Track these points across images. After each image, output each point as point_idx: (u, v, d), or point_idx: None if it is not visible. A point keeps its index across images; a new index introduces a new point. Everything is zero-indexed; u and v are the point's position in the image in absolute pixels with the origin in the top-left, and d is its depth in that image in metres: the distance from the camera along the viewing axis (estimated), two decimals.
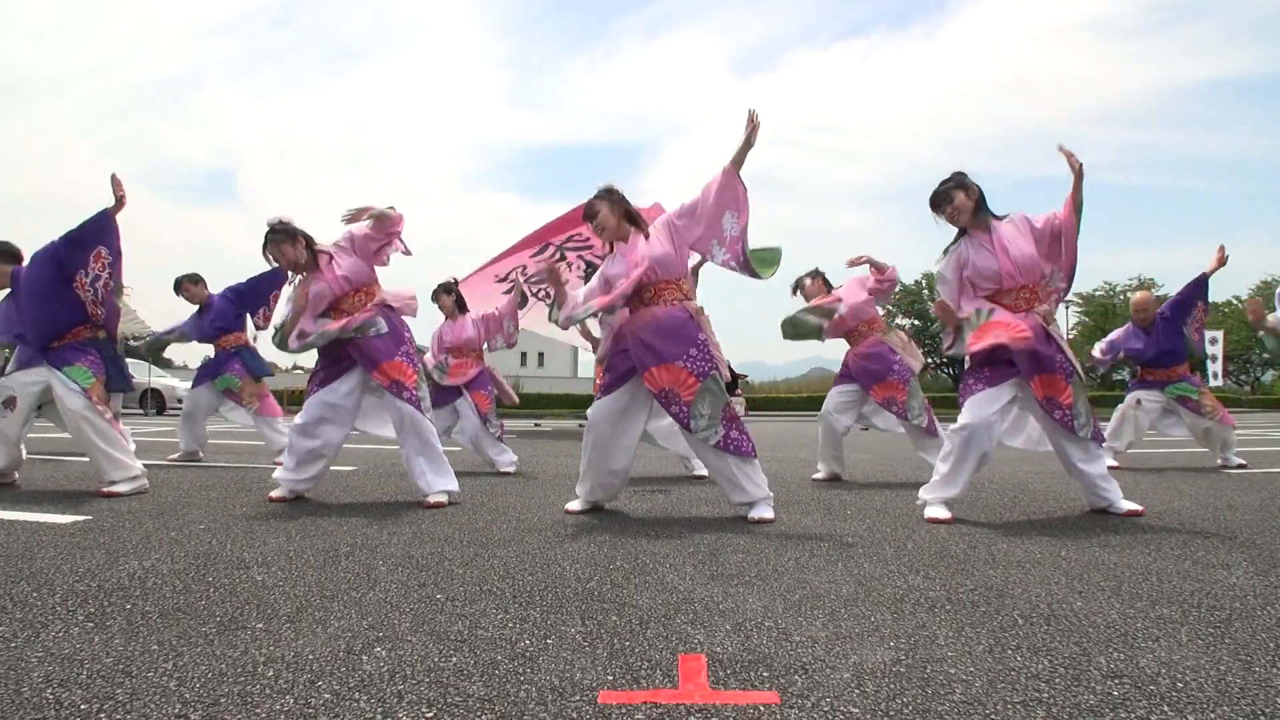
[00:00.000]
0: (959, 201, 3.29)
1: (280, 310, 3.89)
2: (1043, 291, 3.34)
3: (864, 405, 5.00)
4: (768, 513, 3.23)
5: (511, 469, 5.33)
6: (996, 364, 3.28)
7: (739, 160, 3.17)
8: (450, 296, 5.61)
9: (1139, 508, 3.38)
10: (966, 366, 3.41)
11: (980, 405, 3.23)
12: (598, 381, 3.82)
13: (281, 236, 3.65)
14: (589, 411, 3.42)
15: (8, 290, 4.06)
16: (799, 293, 5.21)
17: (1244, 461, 5.83)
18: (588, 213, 3.39)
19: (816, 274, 5.17)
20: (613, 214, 3.35)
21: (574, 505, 3.47)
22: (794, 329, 5.04)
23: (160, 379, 18.15)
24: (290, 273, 3.79)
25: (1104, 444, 5.87)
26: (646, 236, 3.31)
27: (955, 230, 3.39)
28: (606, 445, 3.35)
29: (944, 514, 3.22)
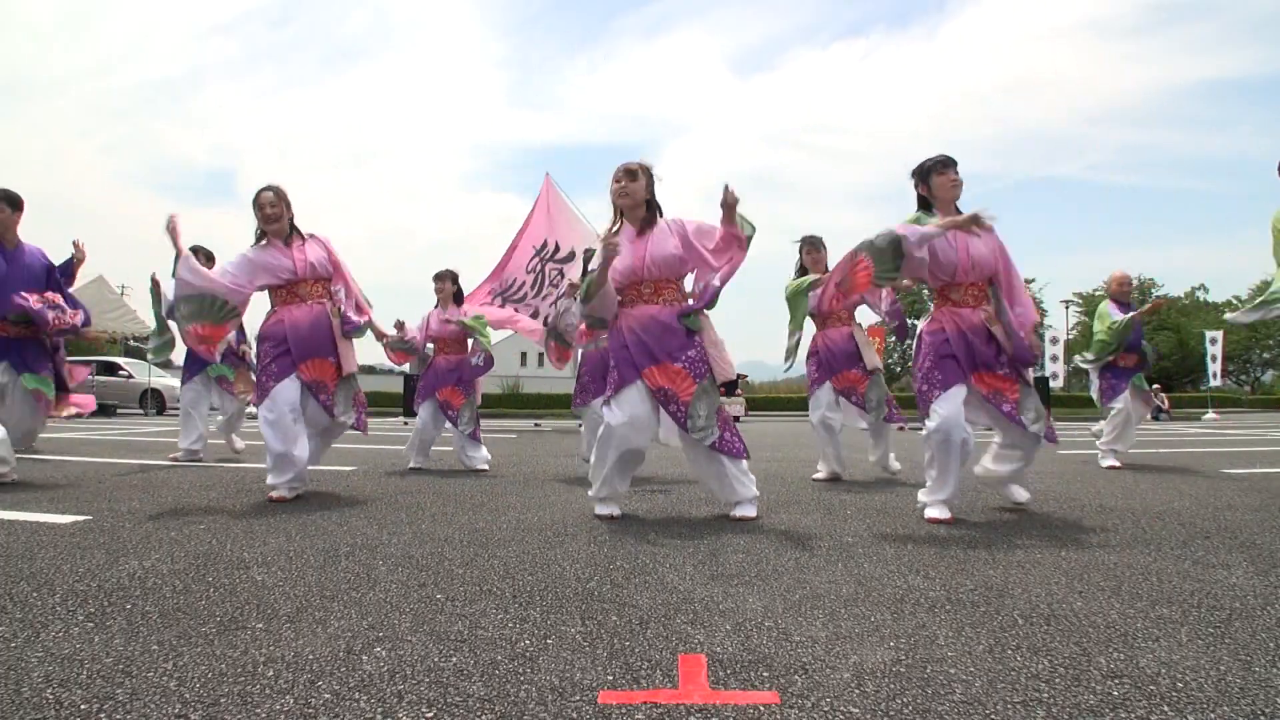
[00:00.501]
0: (959, 177, 3.29)
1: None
2: (987, 292, 3.34)
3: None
4: (751, 511, 3.27)
5: (485, 465, 5.43)
6: (943, 361, 3.26)
7: (729, 222, 3.16)
8: (452, 285, 5.63)
9: (1026, 497, 3.56)
10: (918, 373, 3.37)
11: (946, 404, 3.20)
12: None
13: (283, 195, 3.81)
14: (608, 419, 3.24)
15: None
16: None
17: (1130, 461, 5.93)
18: (629, 170, 3.29)
19: (817, 245, 5.01)
20: (645, 190, 3.29)
21: (608, 510, 3.30)
22: (793, 305, 4.89)
23: (160, 379, 18.15)
24: (261, 230, 3.83)
25: (1107, 447, 5.78)
26: (668, 229, 3.26)
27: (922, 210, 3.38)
28: (628, 446, 3.24)
29: (944, 514, 3.22)
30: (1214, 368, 23.18)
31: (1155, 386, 22.61)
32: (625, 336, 3.26)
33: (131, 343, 19.76)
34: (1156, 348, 6.09)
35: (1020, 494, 3.57)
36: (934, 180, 3.32)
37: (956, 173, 3.31)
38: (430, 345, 5.68)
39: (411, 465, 5.44)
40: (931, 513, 3.24)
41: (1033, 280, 45.76)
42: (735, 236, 3.20)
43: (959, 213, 3.24)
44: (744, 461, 3.28)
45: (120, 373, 17.65)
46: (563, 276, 7.60)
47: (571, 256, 8.29)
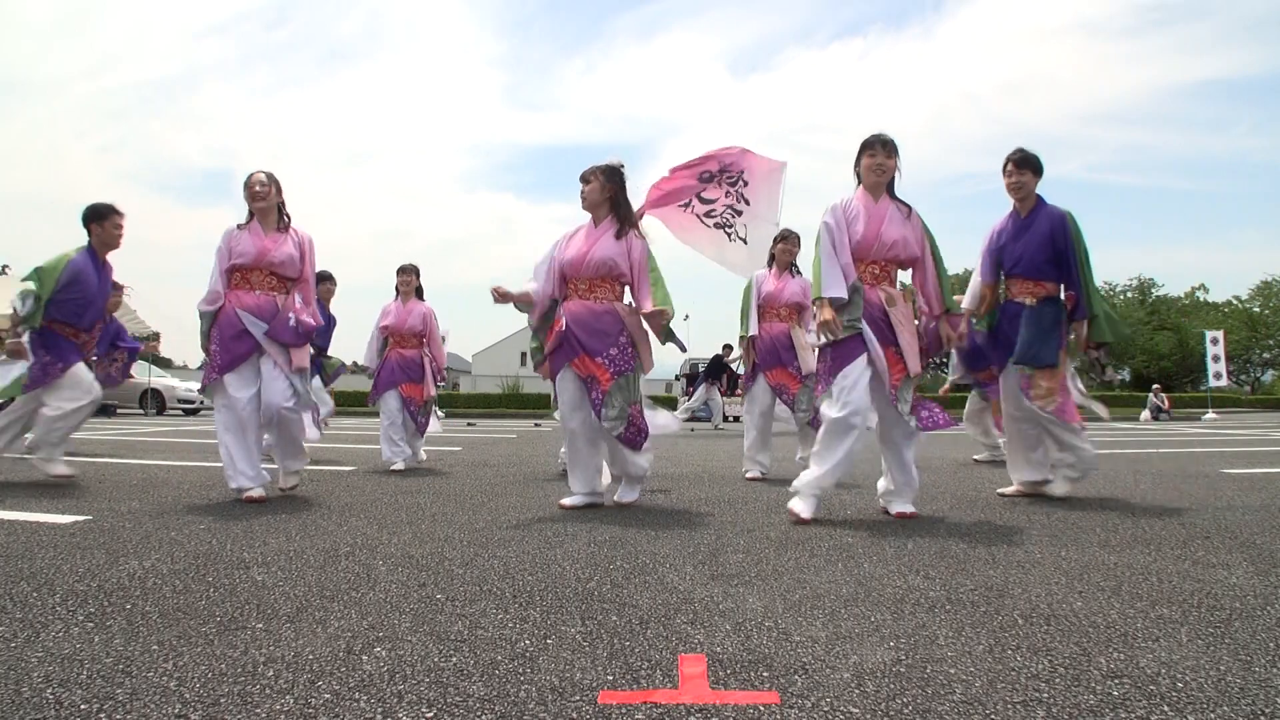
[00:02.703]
0: (895, 163, 3.33)
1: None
2: (894, 273, 3.38)
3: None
4: (629, 496, 3.55)
5: (418, 462, 5.57)
6: (842, 344, 3.23)
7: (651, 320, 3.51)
8: (415, 279, 5.75)
9: (912, 510, 3.30)
10: (823, 352, 3.34)
11: (853, 389, 3.15)
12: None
13: (274, 179, 3.86)
14: (556, 413, 3.62)
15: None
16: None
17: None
18: (583, 176, 3.54)
19: (785, 236, 5.05)
20: (603, 191, 3.51)
21: (570, 500, 3.54)
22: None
23: (160, 379, 18.14)
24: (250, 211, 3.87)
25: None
26: (619, 235, 3.49)
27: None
28: (579, 433, 3.53)
29: (808, 511, 3.15)
30: (1216, 368, 23.17)
31: (1155, 386, 22.57)
32: (562, 328, 3.48)
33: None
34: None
35: (903, 507, 3.33)
36: (861, 162, 3.38)
37: (884, 156, 3.31)
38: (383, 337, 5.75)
39: (398, 466, 5.37)
40: (795, 505, 3.16)
41: None
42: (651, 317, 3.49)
43: (887, 194, 3.36)
44: (642, 449, 3.57)
45: None
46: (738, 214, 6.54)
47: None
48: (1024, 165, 3.79)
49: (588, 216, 3.63)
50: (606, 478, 3.70)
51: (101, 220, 4.38)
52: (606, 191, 3.50)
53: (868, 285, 3.29)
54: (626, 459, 3.57)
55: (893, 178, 3.36)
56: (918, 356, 3.30)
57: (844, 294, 3.20)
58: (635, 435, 3.51)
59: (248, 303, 3.74)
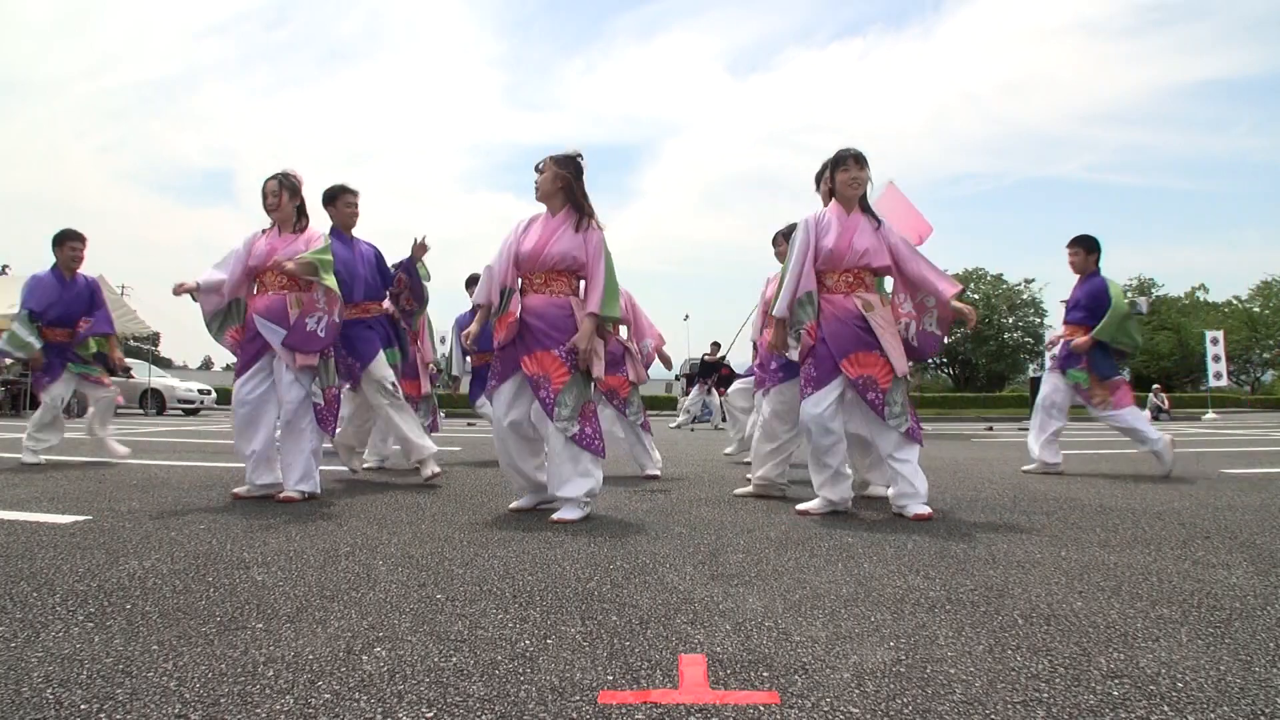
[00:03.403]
0: (867, 174, 3.43)
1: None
2: (869, 280, 3.45)
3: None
4: (571, 514, 3.18)
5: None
6: (818, 358, 3.37)
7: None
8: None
9: (928, 511, 3.26)
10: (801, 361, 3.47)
11: (817, 403, 3.34)
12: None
13: (287, 183, 3.85)
14: (487, 411, 3.49)
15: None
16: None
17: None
18: (536, 166, 3.41)
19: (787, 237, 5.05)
20: (554, 181, 3.35)
21: (516, 503, 3.49)
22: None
23: (160, 379, 18.14)
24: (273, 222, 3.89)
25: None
26: (576, 228, 3.33)
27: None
28: (509, 440, 3.38)
29: (816, 509, 3.38)
30: (1216, 368, 23.15)
31: (1156, 386, 22.56)
32: (515, 320, 3.34)
33: (131, 343, 19.79)
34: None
35: (916, 508, 3.29)
36: (836, 177, 3.44)
37: (858, 169, 3.40)
38: None
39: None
40: (804, 505, 3.41)
41: (1033, 280, 45.69)
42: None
43: (861, 209, 3.44)
44: (599, 459, 3.30)
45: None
46: None
47: None
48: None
49: (540, 207, 3.47)
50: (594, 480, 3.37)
51: (334, 201, 4.63)
52: (559, 181, 3.34)
53: (841, 294, 3.39)
54: (575, 472, 3.22)
55: (865, 190, 3.45)
56: (903, 357, 3.40)
57: (787, 314, 3.41)
58: (592, 438, 3.26)
59: (259, 305, 3.78)
